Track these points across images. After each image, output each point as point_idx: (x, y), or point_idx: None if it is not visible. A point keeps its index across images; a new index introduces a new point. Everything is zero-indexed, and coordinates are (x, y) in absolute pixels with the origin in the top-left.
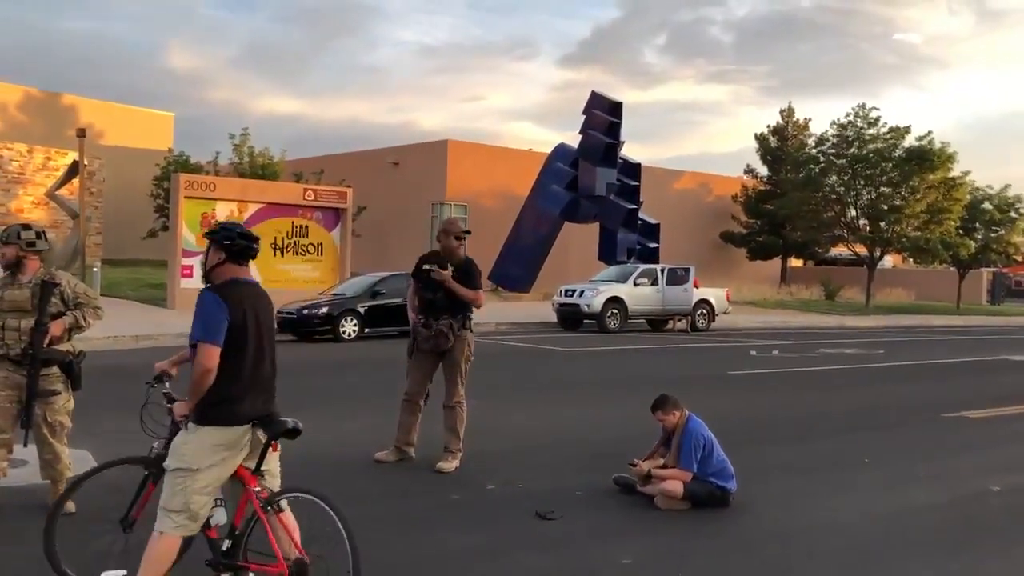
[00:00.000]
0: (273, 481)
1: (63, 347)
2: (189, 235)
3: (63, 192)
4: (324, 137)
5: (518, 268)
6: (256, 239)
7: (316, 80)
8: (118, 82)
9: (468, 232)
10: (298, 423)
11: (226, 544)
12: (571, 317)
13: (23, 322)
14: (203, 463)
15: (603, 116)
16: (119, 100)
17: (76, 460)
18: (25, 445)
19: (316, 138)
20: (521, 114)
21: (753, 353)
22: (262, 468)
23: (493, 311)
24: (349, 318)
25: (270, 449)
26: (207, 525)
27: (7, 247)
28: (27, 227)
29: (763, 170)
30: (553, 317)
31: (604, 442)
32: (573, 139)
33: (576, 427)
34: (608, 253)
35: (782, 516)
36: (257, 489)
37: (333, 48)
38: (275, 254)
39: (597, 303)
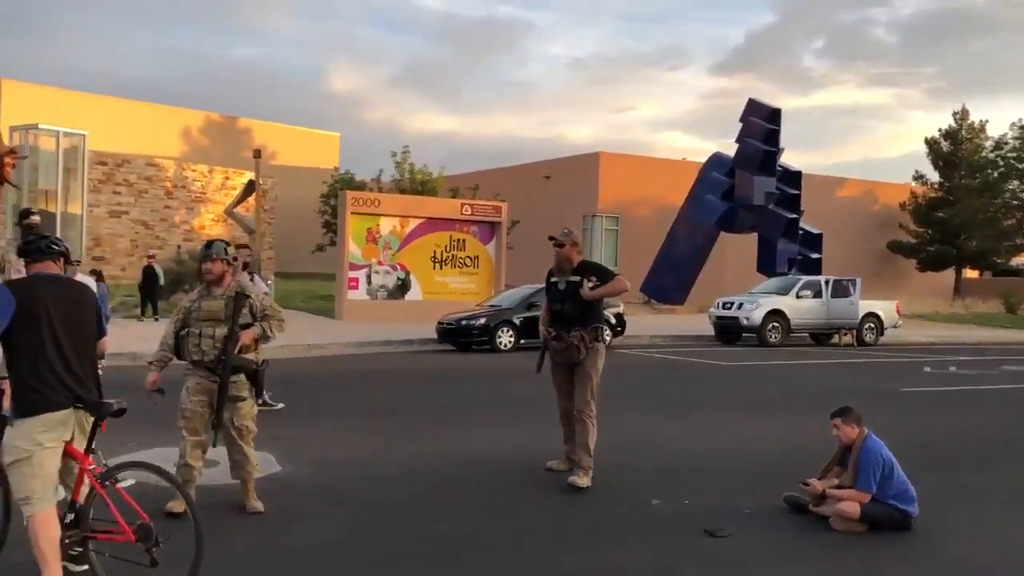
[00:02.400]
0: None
1: (250, 356)
2: (355, 249)
3: (240, 209)
4: (477, 152)
5: (672, 280)
6: (40, 238)
7: (469, 97)
8: (287, 105)
9: (565, 233)
10: (123, 403)
11: (69, 517)
12: (729, 330)
13: (217, 331)
14: (34, 449)
15: (761, 123)
16: (289, 122)
17: (260, 462)
18: (214, 445)
19: (469, 154)
20: (672, 124)
21: (927, 369)
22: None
23: (646, 323)
24: (505, 329)
25: (100, 428)
26: None
27: (214, 263)
28: (228, 244)
29: (934, 176)
30: (710, 330)
31: (770, 459)
32: (725, 147)
33: (740, 443)
34: (767, 264)
35: (969, 545)
36: (92, 466)
37: (485, 65)
38: (434, 267)
39: (757, 316)
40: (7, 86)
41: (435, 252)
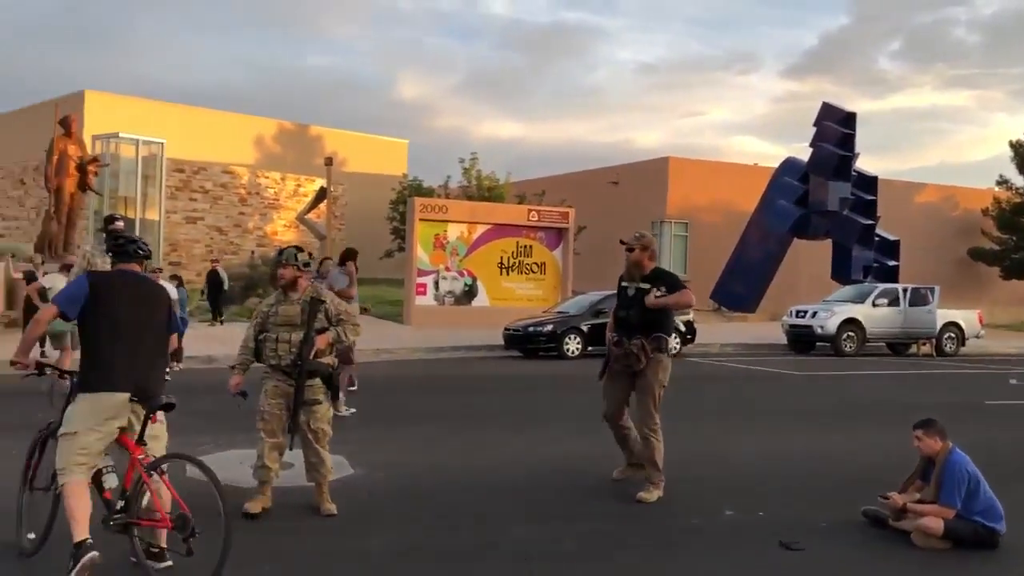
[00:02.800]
0: (157, 445)
1: (326, 360)
2: (423, 255)
3: (311, 216)
4: (543, 158)
5: (742, 287)
6: (130, 242)
7: (536, 103)
8: (357, 112)
9: (636, 237)
10: (172, 398)
11: (119, 504)
12: (803, 339)
13: (293, 335)
14: (81, 427)
15: (835, 128)
16: (358, 129)
17: (334, 465)
18: (291, 448)
19: (536, 159)
20: (743, 128)
21: (1013, 382)
22: (145, 437)
23: (717, 332)
24: (573, 336)
25: (150, 420)
26: (102, 488)
27: (286, 268)
28: (300, 250)
29: (1019, 180)
30: (782, 339)
31: (846, 472)
32: (798, 152)
33: (815, 455)
34: (842, 271)
35: None
36: (141, 456)
37: (552, 71)
38: (501, 273)
39: (832, 325)
40: (90, 97)
41: (502, 258)
